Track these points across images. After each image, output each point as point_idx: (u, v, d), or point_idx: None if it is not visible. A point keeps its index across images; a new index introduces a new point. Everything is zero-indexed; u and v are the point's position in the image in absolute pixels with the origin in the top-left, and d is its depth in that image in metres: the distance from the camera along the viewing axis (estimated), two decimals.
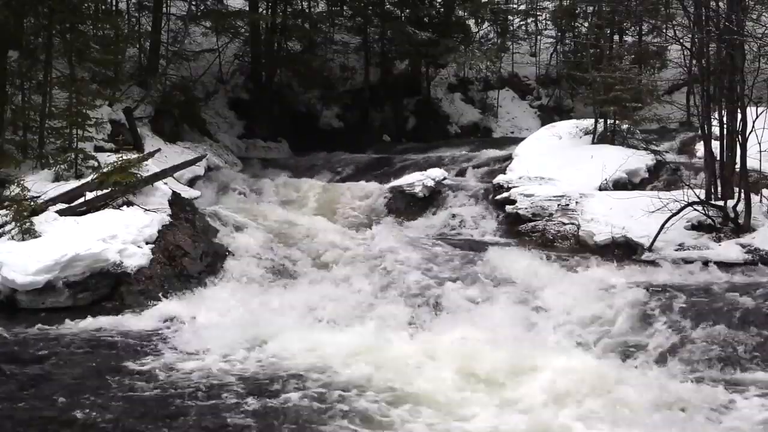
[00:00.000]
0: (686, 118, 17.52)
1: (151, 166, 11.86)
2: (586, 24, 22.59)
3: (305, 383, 6.44)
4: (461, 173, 15.15)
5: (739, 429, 5.72)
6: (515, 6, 26.42)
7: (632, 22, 20.60)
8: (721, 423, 5.80)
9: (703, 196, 10.58)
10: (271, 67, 21.55)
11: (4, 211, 9.68)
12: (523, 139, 16.32)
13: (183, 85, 18.92)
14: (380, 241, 10.95)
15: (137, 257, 9.32)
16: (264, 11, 21.20)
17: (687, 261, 9.68)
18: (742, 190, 10.32)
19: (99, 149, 12.88)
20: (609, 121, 14.47)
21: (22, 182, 10.18)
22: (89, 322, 8.21)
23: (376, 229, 11.85)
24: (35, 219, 9.52)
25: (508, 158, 14.67)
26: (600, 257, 10.13)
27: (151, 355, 7.15)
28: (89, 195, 10.39)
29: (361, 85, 22.95)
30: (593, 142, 14.46)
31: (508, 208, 12.06)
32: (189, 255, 10.06)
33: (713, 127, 10.97)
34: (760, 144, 10.34)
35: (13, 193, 10.02)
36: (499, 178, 13.07)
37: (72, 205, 10.28)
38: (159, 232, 9.96)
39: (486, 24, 25.17)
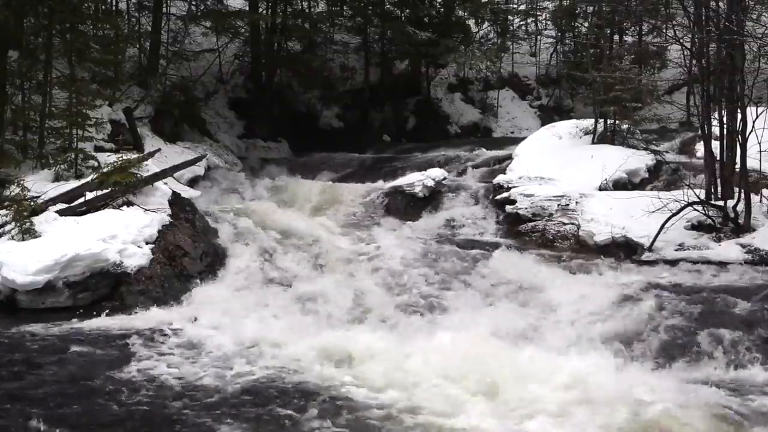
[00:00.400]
0: (686, 118, 17.54)
1: (151, 166, 11.86)
2: (586, 24, 22.61)
3: (305, 385, 6.42)
4: (461, 173, 15.15)
5: (739, 429, 5.72)
6: (515, 6, 26.45)
7: (632, 22, 20.61)
8: (721, 423, 5.80)
9: (703, 196, 10.58)
10: (271, 67, 21.55)
11: (4, 211, 9.67)
12: (523, 139, 16.32)
13: (183, 85, 18.92)
14: (380, 241, 10.96)
15: (137, 257, 9.32)
16: (264, 11, 21.20)
17: (687, 261, 9.69)
18: (742, 190, 10.32)
19: (99, 149, 12.88)
20: (609, 121, 14.48)
21: (22, 182, 10.18)
22: (89, 322, 8.21)
23: (376, 229, 11.85)
24: (35, 219, 9.51)
25: (508, 158, 14.68)
26: (600, 257, 10.13)
27: (150, 356, 7.13)
28: (89, 195, 10.39)
29: (361, 85, 22.96)
30: (593, 142, 14.47)
31: (508, 208, 12.06)
32: (189, 255, 10.06)
33: (713, 127, 10.98)
34: (760, 144, 10.35)
35: (13, 193, 10.02)
36: (499, 178, 13.07)
37: (72, 205, 10.27)
38: (159, 232, 9.96)
39: (486, 24, 25.20)
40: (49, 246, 8.94)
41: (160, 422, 5.69)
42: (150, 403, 6.03)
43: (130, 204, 10.40)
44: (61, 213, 9.96)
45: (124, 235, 9.50)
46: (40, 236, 9.30)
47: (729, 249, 9.76)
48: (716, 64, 11.11)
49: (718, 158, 10.91)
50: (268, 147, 20.18)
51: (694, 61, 12.09)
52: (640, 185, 12.86)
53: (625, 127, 14.42)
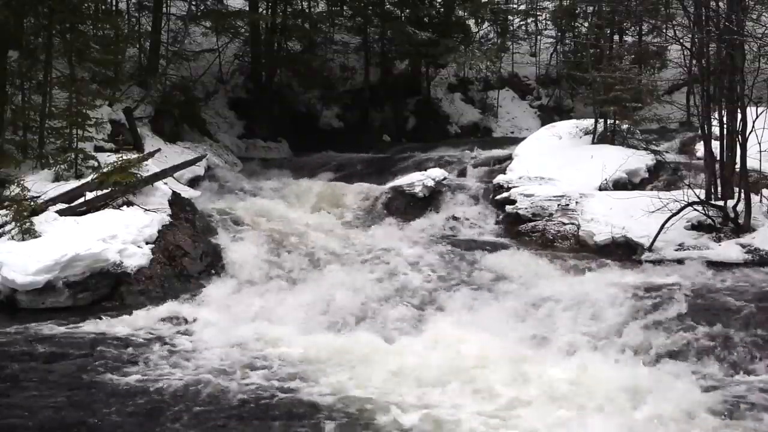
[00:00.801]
0: (686, 118, 17.53)
1: (151, 166, 11.87)
2: (586, 24, 22.61)
3: (306, 386, 6.42)
4: (461, 173, 15.15)
5: (739, 429, 5.72)
6: (515, 6, 26.44)
7: (632, 22, 20.61)
8: (721, 423, 5.79)
9: (703, 196, 10.57)
10: (271, 67, 21.55)
11: (4, 211, 9.68)
12: (523, 139, 16.33)
13: (183, 85, 18.92)
14: (380, 241, 10.95)
15: (137, 257, 9.33)
16: (264, 11, 21.20)
17: (687, 261, 9.68)
18: (742, 190, 10.31)
19: (99, 149, 12.88)
20: (609, 121, 14.48)
21: (22, 182, 10.18)
22: (89, 323, 8.19)
23: (376, 229, 11.84)
24: (35, 219, 9.52)
25: (508, 158, 14.68)
26: (600, 257, 10.13)
27: (150, 356, 7.13)
28: (89, 195, 10.40)
29: (361, 85, 22.96)
30: (593, 142, 14.47)
31: (508, 208, 12.06)
32: (189, 255, 10.06)
33: (713, 127, 10.97)
34: (760, 144, 10.34)
35: (13, 193, 10.03)
36: (499, 178, 13.07)
37: (72, 205, 10.28)
38: (159, 232, 9.97)
39: (486, 24, 25.19)
40: (49, 246, 8.95)
41: (161, 423, 5.69)
42: (150, 403, 6.02)
43: (130, 204, 10.41)
44: (61, 213, 9.97)
45: (124, 235, 9.51)
46: (40, 236, 9.30)
47: (729, 249, 9.75)
48: (716, 64, 11.11)
49: (718, 158, 10.91)
50: (268, 147, 20.18)
51: (694, 61, 12.08)
52: (640, 185, 12.86)
53: (625, 127, 14.42)
